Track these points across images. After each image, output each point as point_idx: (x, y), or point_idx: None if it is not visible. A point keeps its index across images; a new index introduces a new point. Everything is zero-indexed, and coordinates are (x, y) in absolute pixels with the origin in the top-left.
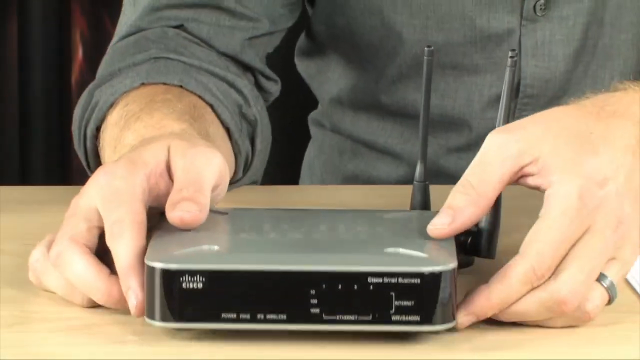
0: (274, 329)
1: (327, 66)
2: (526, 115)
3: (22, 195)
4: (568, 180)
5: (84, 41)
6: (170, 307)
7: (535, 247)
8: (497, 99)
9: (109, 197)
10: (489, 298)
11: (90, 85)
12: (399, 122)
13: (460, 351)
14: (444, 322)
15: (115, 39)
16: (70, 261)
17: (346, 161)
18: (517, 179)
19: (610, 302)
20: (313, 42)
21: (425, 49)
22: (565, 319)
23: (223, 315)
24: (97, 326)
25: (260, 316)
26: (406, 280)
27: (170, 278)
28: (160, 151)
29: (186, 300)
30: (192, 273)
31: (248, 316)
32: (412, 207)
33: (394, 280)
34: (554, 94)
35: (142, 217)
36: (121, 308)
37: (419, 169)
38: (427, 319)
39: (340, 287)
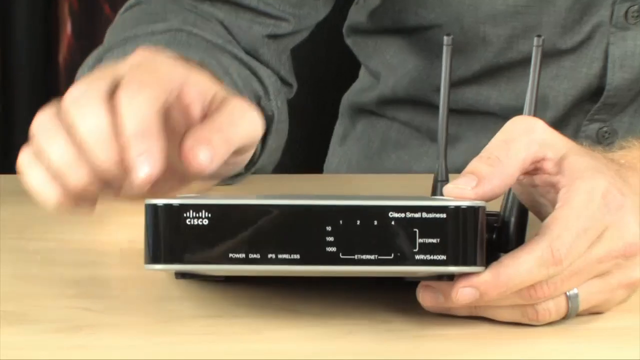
0: (287, 271)
1: (386, 48)
2: (599, 119)
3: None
4: (593, 178)
5: (73, 16)
6: (174, 246)
7: (556, 229)
8: (573, 106)
9: (140, 65)
10: (498, 275)
11: (99, 49)
12: (458, 116)
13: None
14: (471, 263)
15: (125, 6)
16: (89, 105)
17: (389, 150)
18: (531, 171)
19: (567, 315)
20: (370, 23)
21: (445, 37)
22: (511, 311)
23: (231, 255)
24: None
25: (271, 256)
26: (431, 215)
27: (174, 214)
28: (202, 81)
29: (191, 238)
30: (197, 208)
31: (258, 256)
32: None
33: (417, 215)
34: (630, 99)
35: (163, 98)
36: (118, 186)
37: (440, 167)
38: (453, 259)
39: (358, 223)
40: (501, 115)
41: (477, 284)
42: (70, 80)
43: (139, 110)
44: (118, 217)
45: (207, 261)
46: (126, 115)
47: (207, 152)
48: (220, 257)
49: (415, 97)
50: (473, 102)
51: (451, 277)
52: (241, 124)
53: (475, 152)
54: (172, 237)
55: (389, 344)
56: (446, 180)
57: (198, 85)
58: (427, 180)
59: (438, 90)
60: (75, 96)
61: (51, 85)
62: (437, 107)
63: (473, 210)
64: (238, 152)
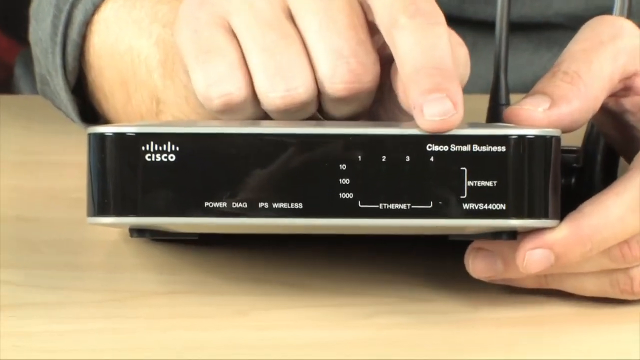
0: (285, 227)
1: None
2: None
3: None
4: None
5: None
6: (128, 192)
7: None
8: None
9: None
10: (578, 228)
11: None
12: None
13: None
14: (542, 215)
15: None
16: None
17: None
18: (620, 91)
19: None
20: None
21: None
22: (596, 280)
23: (208, 204)
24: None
25: (263, 205)
26: (486, 148)
27: (129, 147)
28: None
29: (152, 180)
30: (161, 138)
31: (245, 205)
32: None
33: (466, 148)
34: None
35: None
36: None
37: (499, 85)
38: (516, 209)
39: (384, 159)
40: (569, 26)
41: (550, 243)
42: None
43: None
44: (71, 155)
45: (175, 212)
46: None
47: (448, 108)
48: (193, 206)
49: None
50: (529, 11)
51: (514, 235)
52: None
53: (537, 75)
54: (125, 178)
55: (425, 331)
56: (506, 104)
57: None
58: (480, 102)
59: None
60: None
61: None
62: (469, 21)
63: (544, 141)
64: None
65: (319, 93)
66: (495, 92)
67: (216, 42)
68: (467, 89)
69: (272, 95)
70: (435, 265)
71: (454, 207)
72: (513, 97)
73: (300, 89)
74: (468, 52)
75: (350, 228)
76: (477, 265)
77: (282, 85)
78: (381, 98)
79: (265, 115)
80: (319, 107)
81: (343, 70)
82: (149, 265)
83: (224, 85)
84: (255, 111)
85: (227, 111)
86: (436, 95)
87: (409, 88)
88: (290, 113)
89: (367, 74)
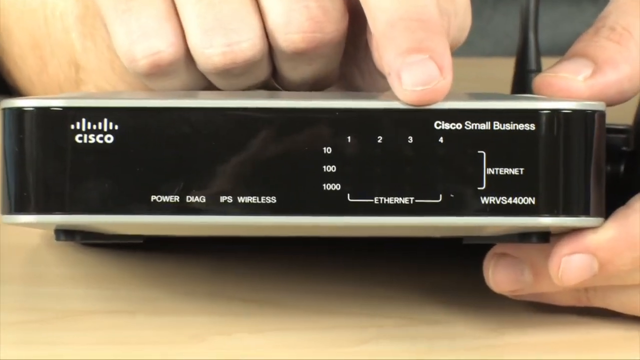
0: (254, 226)
1: None
2: None
3: None
4: None
5: None
6: (54, 183)
7: None
8: None
9: None
10: (628, 227)
11: None
12: None
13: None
14: (581, 211)
15: None
16: None
17: None
18: None
19: None
20: None
21: None
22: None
23: (155, 197)
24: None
25: (226, 199)
26: (510, 126)
27: (54, 125)
28: None
29: (84, 168)
30: (97, 115)
31: (203, 199)
32: None
33: (485, 126)
34: None
35: None
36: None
37: (528, 47)
38: (549, 204)
39: (380, 140)
40: None
41: (593, 247)
42: None
43: None
44: None
45: (113, 208)
46: None
47: (433, 75)
48: (136, 201)
49: None
50: None
51: (546, 237)
52: None
53: (577, 34)
54: (50, 165)
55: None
56: (537, 70)
57: None
58: (504, 68)
59: None
60: None
61: None
62: None
63: (585, 117)
64: None
65: (271, 50)
66: (523, 56)
67: None
68: (487, 51)
69: (208, 52)
70: (447, 276)
71: (469, 202)
72: (545, 62)
73: (244, 44)
74: None
75: (337, 228)
76: (499, 276)
77: (221, 39)
78: (355, 57)
79: (206, 83)
80: (274, 71)
81: (300, 16)
82: (79, 278)
83: (150, 40)
84: (191, 75)
85: (156, 74)
86: (416, 56)
87: (382, 48)
88: (234, 76)
89: (330, 21)
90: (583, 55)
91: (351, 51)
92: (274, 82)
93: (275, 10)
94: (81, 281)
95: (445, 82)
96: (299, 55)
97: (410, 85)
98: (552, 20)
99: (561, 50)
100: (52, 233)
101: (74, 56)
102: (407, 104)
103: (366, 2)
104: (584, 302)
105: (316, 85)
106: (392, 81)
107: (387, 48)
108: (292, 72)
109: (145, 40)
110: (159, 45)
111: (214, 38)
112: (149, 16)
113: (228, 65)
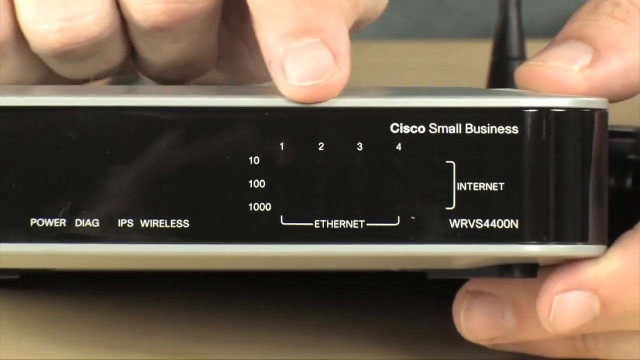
0: (162, 257)
1: None
2: None
3: None
4: None
5: None
6: None
7: None
8: None
9: None
10: (635, 257)
11: None
12: None
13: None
14: (578, 237)
15: None
16: None
17: None
18: None
19: None
20: None
21: None
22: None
23: (35, 221)
24: None
25: (125, 222)
26: (486, 130)
27: None
28: None
29: None
30: None
31: (96, 223)
32: None
33: (455, 128)
34: None
35: None
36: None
37: (509, 27)
38: (537, 227)
39: (322, 146)
40: None
41: (593, 282)
42: None
43: None
44: None
45: None
46: None
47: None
48: (11, 225)
49: None
50: None
51: (532, 270)
52: None
53: (570, 10)
54: None
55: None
56: (520, 58)
57: None
58: (478, 53)
59: None
60: None
61: None
62: None
63: (581, 117)
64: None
65: (125, 25)
66: (502, 39)
67: None
68: (450, 33)
69: (43, 29)
70: (406, 322)
71: (434, 225)
72: (531, 47)
73: (87, 17)
74: None
75: (267, 259)
76: (473, 321)
77: (58, 12)
78: (241, 30)
79: (44, 70)
80: (132, 52)
81: None
82: None
83: None
84: (23, 59)
85: None
86: (303, 40)
87: (260, 28)
88: (77, 59)
89: None
90: (579, 38)
91: (236, 22)
92: (133, 66)
93: None
94: None
95: (341, 74)
96: (160, 30)
97: (296, 79)
98: None
99: (546, 31)
100: None
101: None
102: (294, 101)
103: None
104: (581, 353)
105: (187, 69)
106: (274, 72)
107: (266, 28)
108: (153, 52)
109: None
110: None
111: (50, 11)
112: None
113: (68, 45)
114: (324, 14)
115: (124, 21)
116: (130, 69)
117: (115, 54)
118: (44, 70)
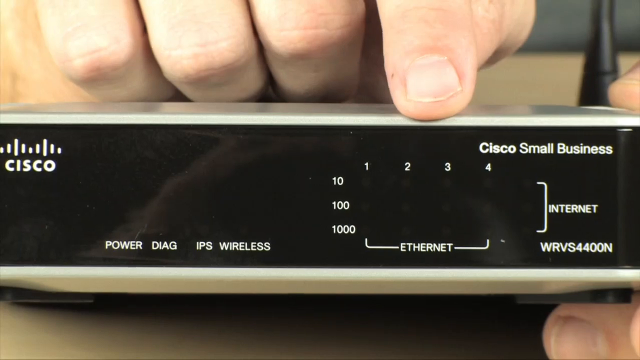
0: (242, 280)
1: None
2: None
3: None
4: None
5: None
6: None
7: None
8: None
9: None
10: None
11: None
12: None
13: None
14: None
15: None
16: None
17: None
18: None
19: None
20: None
21: None
22: None
23: (110, 244)
24: None
25: (204, 245)
26: (579, 150)
27: None
28: None
29: (18, 205)
30: (34, 134)
31: (174, 246)
32: None
33: (547, 149)
34: None
35: None
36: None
37: (601, 43)
38: (631, 251)
39: (409, 167)
40: None
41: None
42: None
43: None
44: None
45: (55, 258)
46: None
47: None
48: (86, 248)
49: None
50: None
51: (626, 296)
52: None
53: None
54: None
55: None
56: (613, 72)
57: None
58: (569, 68)
59: None
60: None
61: None
62: None
63: None
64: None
65: (262, 50)
66: (594, 54)
67: None
68: (541, 44)
69: (176, 54)
70: (497, 347)
71: (525, 249)
72: (625, 61)
73: (223, 43)
74: None
75: (351, 283)
76: (564, 347)
77: (192, 37)
78: (379, 61)
79: (171, 96)
80: (269, 78)
81: (298, 6)
82: (10, 345)
83: (88, 34)
84: (149, 81)
85: (98, 80)
86: (430, 57)
87: (389, 44)
88: (212, 86)
89: (338, 13)
90: None
91: (374, 54)
92: (272, 92)
93: (266, 0)
94: (12, 349)
95: (463, 95)
96: (299, 58)
97: (416, 93)
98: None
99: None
100: None
101: (10, 62)
102: (411, 117)
103: None
104: None
105: (326, 100)
106: (394, 86)
107: (393, 44)
108: (292, 81)
109: (83, 34)
110: (99, 41)
111: (184, 36)
112: (91, 2)
113: (202, 71)
114: (455, 33)
115: (261, 48)
116: (268, 97)
117: (252, 82)
118: (170, 95)
